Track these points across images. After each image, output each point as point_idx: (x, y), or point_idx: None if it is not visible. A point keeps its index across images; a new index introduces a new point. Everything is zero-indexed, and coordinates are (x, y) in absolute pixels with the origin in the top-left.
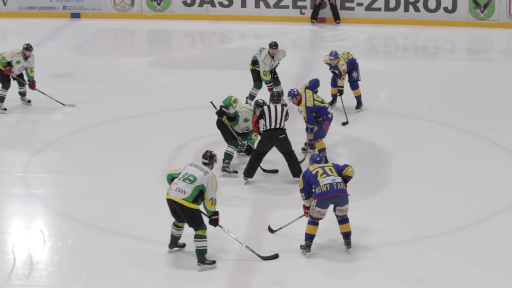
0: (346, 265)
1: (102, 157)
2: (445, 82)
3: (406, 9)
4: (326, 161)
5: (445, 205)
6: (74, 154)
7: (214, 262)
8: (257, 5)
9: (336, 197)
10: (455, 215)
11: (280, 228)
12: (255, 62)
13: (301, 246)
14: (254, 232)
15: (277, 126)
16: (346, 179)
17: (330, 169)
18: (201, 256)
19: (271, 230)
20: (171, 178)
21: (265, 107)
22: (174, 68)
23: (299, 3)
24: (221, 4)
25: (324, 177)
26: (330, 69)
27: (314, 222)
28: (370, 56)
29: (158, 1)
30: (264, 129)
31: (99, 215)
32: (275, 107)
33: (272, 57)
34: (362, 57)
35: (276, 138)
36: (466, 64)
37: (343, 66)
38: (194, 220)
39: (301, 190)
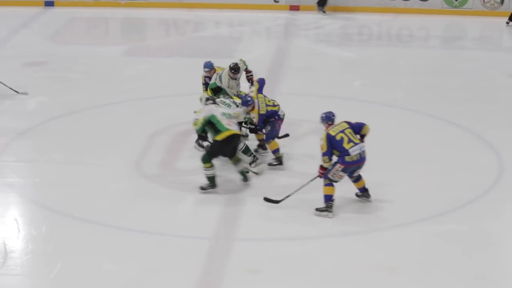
0: (318, 252)
1: (76, 146)
2: (419, 70)
3: None
4: (281, 162)
5: (419, 193)
6: (48, 142)
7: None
8: None
9: (361, 164)
10: (429, 203)
11: (289, 196)
12: (216, 90)
13: (318, 209)
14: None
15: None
16: (362, 136)
17: (351, 134)
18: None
19: (276, 201)
20: (206, 123)
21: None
22: (148, 56)
23: None
24: None
25: (352, 146)
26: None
27: (331, 184)
28: (345, 44)
29: None
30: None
31: (74, 204)
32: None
33: (235, 79)
34: (337, 45)
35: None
36: (440, 52)
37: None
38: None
39: (324, 154)
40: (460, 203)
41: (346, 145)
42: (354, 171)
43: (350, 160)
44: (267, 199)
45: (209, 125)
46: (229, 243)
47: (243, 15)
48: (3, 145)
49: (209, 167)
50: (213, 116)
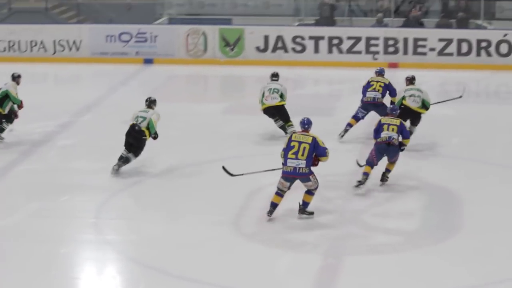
0: None
1: (175, 203)
2: None
3: (478, 54)
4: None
5: None
6: (146, 199)
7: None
8: (330, 51)
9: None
10: None
11: (243, 174)
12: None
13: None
14: None
15: None
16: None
17: (305, 150)
18: None
19: (231, 174)
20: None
21: None
22: (248, 114)
23: (372, 49)
24: (294, 50)
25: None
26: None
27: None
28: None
29: (231, 47)
30: None
31: (171, 261)
32: None
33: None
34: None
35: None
36: None
37: None
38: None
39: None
40: None
41: (289, 155)
42: (292, 183)
43: (285, 170)
44: (224, 169)
45: None
46: None
47: (342, 73)
48: (102, 202)
49: None
50: None
